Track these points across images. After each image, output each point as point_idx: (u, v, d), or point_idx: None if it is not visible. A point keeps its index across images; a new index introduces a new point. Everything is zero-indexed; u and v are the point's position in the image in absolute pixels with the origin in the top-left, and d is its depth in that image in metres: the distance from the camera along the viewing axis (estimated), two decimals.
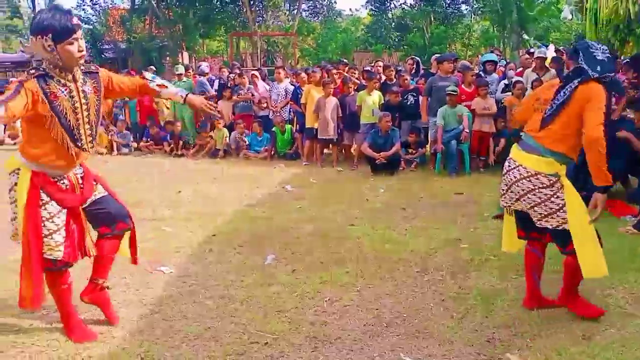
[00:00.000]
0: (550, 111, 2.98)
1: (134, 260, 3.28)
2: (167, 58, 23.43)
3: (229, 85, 10.88)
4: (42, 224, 2.74)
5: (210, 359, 2.77)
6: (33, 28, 2.63)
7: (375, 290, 3.61)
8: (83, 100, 2.80)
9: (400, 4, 27.98)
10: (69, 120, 2.74)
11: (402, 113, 8.64)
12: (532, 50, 10.75)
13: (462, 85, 8.38)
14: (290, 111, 9.98)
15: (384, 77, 9.40)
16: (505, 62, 10.60)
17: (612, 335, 2.91)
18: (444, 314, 3.24)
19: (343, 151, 9.43)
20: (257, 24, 25.63)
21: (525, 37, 22.00)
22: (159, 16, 23.02)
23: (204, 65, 12.22)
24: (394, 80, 9.12)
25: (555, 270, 3.64)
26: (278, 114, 9.80)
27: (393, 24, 26.94)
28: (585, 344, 2.82)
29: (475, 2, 26.39)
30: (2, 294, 3.53)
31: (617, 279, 3.64)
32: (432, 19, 25.09)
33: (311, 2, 30.98)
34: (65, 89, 2.72)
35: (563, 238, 2.97)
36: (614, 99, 6.54)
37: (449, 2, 26.34)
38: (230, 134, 10.16)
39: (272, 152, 9.73)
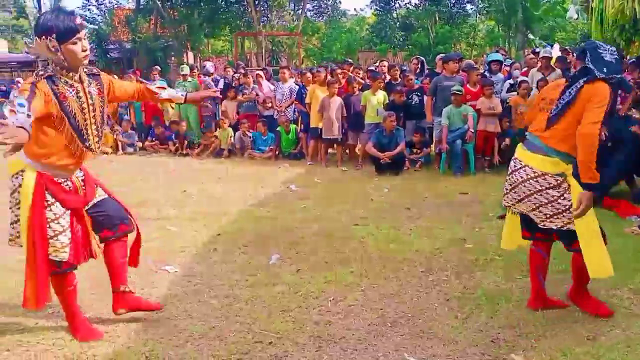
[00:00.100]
0: (555, 111, 2.97)
1: (133, 262, 3.26)
2: (172, 58, 23.47)
3: (233, 85, 10.90)
4: (48, 225, 2.74)
5: (215, 358, 2.78)
6: (37, 29, 2.66)
7: (379, 290, 3.61)
8: (90, 101, 2.82)
9: (405, 4, 27.97)
10: (78, 121, 2.76)
11: (407, 113, 8.63)
12: (537, 50, 10.72)
13: (467, 85, 8.37)
14: (294, 111, 9.98)
15: (388, 77, 9.40)
16: (510, 62, 10.55)
17: (617, 336, 2.90)
18: (448, 314, 3.24)
19: (347, 151, 9.43)
20: (261, 23, 25.65)
21: (531, 36, 21.94)
22: (164, 16, 23.07)
23: (209, 65, 12.24)
24: (399, 80, 9.12)
25: (560, 271, 3.64)
26: (283, 114, 9.81)
27: (398, 23, 26.92)
28: (590, 345, 2.81)
29: (480, 1, 26.34)
30: (7, 293, 3.55)
31: (622, 279, 3.62)
32: (437, 18, 25.06)
33: (316, 2, 30.98)
34: (73, 90, 2.74)
35: (568, 237, 2.98)
36: (619, 97, 6.53)
37: (454, 1, 26.30)
38: (235, 133, 10.17)
39: (277, 152, 9.74)
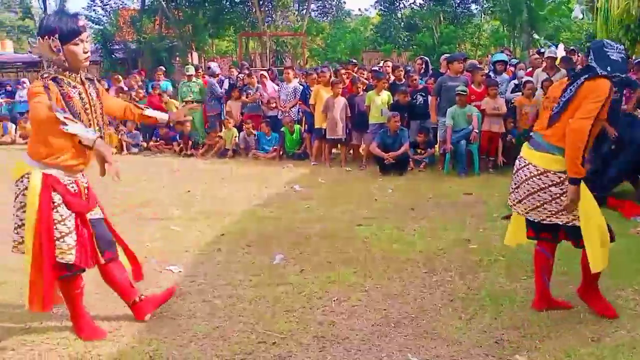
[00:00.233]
0: (557, 109, 2.99)
1: (138, 276, 3.29)
2: (177, 58, 23.50)
3: (237, 85, 10.92)
4: (54, 227, 2.75)
5: (219, 358, 2.78)
6: (41, 29, 2.70)
7: (383, 291, 3.61)
8: (92, 102, 2.85)
9: (410, 4, 27.87)
10: (82, 121, 2.78)
11: (411, 113, 8.62)
12: (542, 50, 10.69)
13: (472, 85, 8.35)
14: (299, 111, 9.99)
15: (392, 77, 9.39)
16: (515, 62, 10.52)
17: (622, 337, 2.89)
18: (452, 314, 3.23)
19: (351, 151, 9.43)
20: (266, 24, 25.65)
21: (536, 36, 21.86)
22: (168, 16, 23.09)
23: (215, 66, 12.26)
24: (403, 80, 9.10)
25: (564, 272, 3.63)
26: (287, 114, 9.82)
27: (402, 23, 26.86)
28: (594, 346, 2.80)
29: (485, 1, 26.25)
30: (11, 292, 3.57)
31: (627, 280, 3.62)
32: (442, 18, 24.96)
33: (320, 2, 30.95)
34: (76, 90, 2.77)
35: (575, 233, 2.98)
36: (624, 97, 6.51)
37: (458, 1, 26.21)
38: (239, 134, 10.19)
39: (281, 152, 9.75)
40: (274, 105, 10.06)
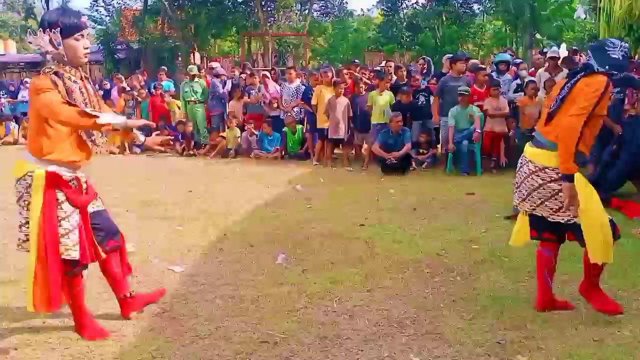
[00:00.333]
0: (554, 106, 3.02)
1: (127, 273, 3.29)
2: (179, 58, 23.54)
3: (239, 85, 10.93)
4: (59, 224, 2.75)
5: (220, 358, 2.78)
6: (43, 22, 2.72)
7: (385, 291, 3.60)
8: (91, 98, 2.86)
9: (412, 4, 27.87)
10: None
11: (413, 113, 8.62)
12: (545, 50, 10.67)
13: (474, 85, 8.35)
14: (301, 111, 9.99)
15: (395, 78, 9.39)
16: (517, 62, 10.51)
17: (624, 338, 2.88)
18: (454, 315, 3.23)
19: (354, 151, 9.43)
20: (268, 24, 25.66)
21: (538, 36, 21.85)
22: (171, 17, 23.12)
23: (219, 67, 12.28)
24: (405, 80, 9.10)
25: (566, 272, 3.62)
26: (289, 114, 9.82)
27: (404, 23, 26.84)
28: (596, 347, 2.80)
29: (487, 1, 26.22)
30: (14, 291, 3.58)
31: (629, 281, 3.61)
32: (444, 18, 24.97)
33: (322, 2, 30.96)
34: (77, 85, 2.78)
35: (577, 230, 2.97)
36: (627, 97, 6.49)
37: (461, 1, 26.20)
38: (241, 134, 10.20)
39: (283, 152, 9.75)
40: (275, 105, 10.07)
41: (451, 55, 9.72)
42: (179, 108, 11.35)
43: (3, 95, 14.72)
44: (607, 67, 2.89)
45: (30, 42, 2.79)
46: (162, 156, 10.59)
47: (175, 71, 20.63)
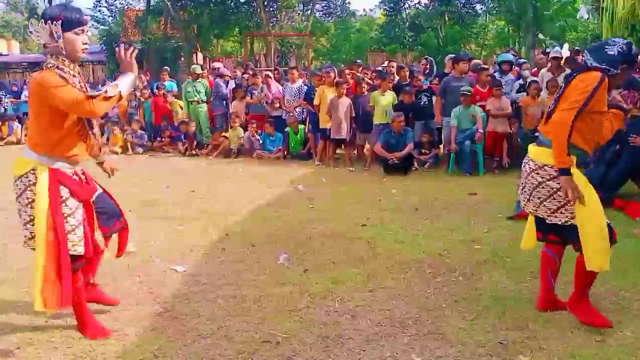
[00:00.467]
0: (552, 105, 3.03)
1: (120, 252, 3.28)
2: (182, 58, 23.59)
3: (242, 85, 10.93)
4: (65, 220, 2.76)
5: (222, 357, 2.79)
6: (45, 14, 2.75)
7: (387, 291, 3.60)
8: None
9: (415, 4, 27.85)
10: None
11: (416, 113, 8.61)
12: (547, 50, 10.66)
13: (477, 86, 8.34)
14: (303, 111, 10.00)
15: (397, 78, 9.38)
16: (520, 62, 10.50)
17: (626, 338, 2.88)
18: (456, 315, 3.23)
19: (356, 151, 9.43)
20: (271, 24, 25.68)
21: (541, 36, 21.81)
22: (174, 17, 23.17)
23: (223, 68, 12.31)
24: (408, 80, 9.09)
25: (568, 273, 3.61)
26: (291, 114, 9.83)
27: (407, 23, 26.82)
28: (598, 347, 2.79)
29: (490, 1, 26.19)
30: (16, 291, 3.59)
31: (631, 281, 3.60)
32: (447, 18, 24.94)
33: (325, 2, 30.98)
34: (77, 79, 2.80)
35: (573, 233, 2.94)
36: (628, 98, 6.47)
37: (463, 1, 26.17)
38: (244, 133, 10.21)
39: (285, 152, 9.76)
40: (278, 105, 10.07)
41: (454, 55, 9.71)
42: (181, 108, 11.37)
43: (6, 95, 14.76)
44: (602, 63, 2.88)
45: (30, 32, 2.80)
46: (165, 156, 10.62)
47: (178, 71, 20.69)
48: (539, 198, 3.01)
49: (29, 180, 2.75)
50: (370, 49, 26.25)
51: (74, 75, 2.78)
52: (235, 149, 10.14)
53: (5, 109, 14.16)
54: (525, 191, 3.12)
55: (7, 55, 26.47)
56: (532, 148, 3.12)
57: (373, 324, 3.13)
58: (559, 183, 2.90)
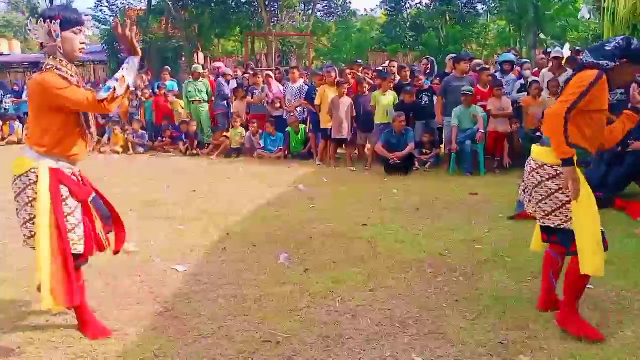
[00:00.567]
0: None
1: (117, 249, 3.25)
2: (183, 58, 23.59)
3: (242, 85, 10.94)
4: (66, 219, 2.78)
5: (223, 357, 2.79)
6: (43, 14, 2.77)
7: (388, 291, 3.60)
8: None
9: (416, 4, 27.81)
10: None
11: (417, 113, 8.61)
12: (548, 50, 10.65)
13: (478, 86, 8.34)
14: (304, 110, 10.00)
15: (398, 78, 9.38)
16: (521, 62, 10.50)
17: (627, 338, 2.88)
18: (457, 315, 3.23)
19: (357, 151, 9.43)
20: (272, 24, 25.67)
21: (542, 36, 21.78)
22: (175, 17, 23.16)
23: (225, 67, 12.31)
24: (409, 80, 9.09)
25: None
26: (292, 114, 9.83)
27: (408, 23, 26.78)
28: (599, 347, 2.79)
29: (491, 1, 26.16)
30: (17, 291, 3.59)
31: (632, 281, 3.60)
32: (448, 18, 24.91)
33: (326, 2, 30.96)
34: (74, 80, 2.81)
35: (566, 237, 2.92)
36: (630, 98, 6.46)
37: (464, 1, 26.14)
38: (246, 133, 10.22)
39: (286, 152, 9.76)
40: (278, 105, 10.08)
41: (455, 55, 9.71)
42: (182, 108, 11.38)
43: (7, 95, 14.78)
44: (599, 59, 2.86)
45: (29, 30, 2.81)
46: (166, 156, 10.63)
47: (179, 71, 20.69)
48: (536, 199, 2.99)
49: (30, 180, 2.76)
50: (372, 49, 26.22)
51: (72, 76, 2.79)
52: (236, 148, 10.14)
53: (6, 109, 14.18)
54: (526, 191, 3.11)
55: (9, 55, 26.48)
56: (534, 148, 3.11)
57: (374, 323, 3.13)
58: (557, 184, 2.88)
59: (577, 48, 10.66)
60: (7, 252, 4.37)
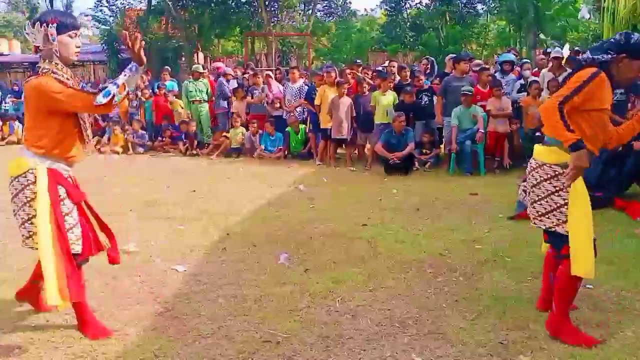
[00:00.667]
0: None
1: (114, 259, 3.21)
2: (183, 58, 23.59)
3: (242, 85, 10.94)
4: (64, 219, 2.80)
5: (223, 357, 2.79)
6: (40, 17, 2.82)
7: (387, 291, 3.60)
8: None
9: (416, 4, 27.81)
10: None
11: (416, 113, 8.61)
12: (548, 50, 10.65)
13: (478, 86, 8.34)
14: (304, 110, 10.00)
15: (398, 78, 9.38)
16: (521, 62, 10.50)
17: (627, 339, 2.88)
18: (457, 315, 3.23)
19: (357, 151, 9.43)
20: (272, 24, 25.66)
21: (542, 36, 21.78)
22: (175, 17, 23.16)
23: (225, 67, 12.31)
24: (409, 80, 9.09)
25: None
26: (292, 114, 9.83)
27: (408, 23, 26.78)
28: (599, 347, 2.79)
29: (491, 1, 26.16)
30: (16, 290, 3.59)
31: (632, 281, 3.60)
32: (448, 18, 24.91)
33: (326, 2, 30.96)
34: (70, 82, 2.82)
35: (557, 240, 2.91)
36: (629, 103, 6.48)
37: (464, 1, 26.13)
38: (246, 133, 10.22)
39: (286, 152, 9.76)
40: (278, 105, 10.08)
41: (454, 55, 9.72)
42: (182, 108, 11.38)
43: (7, 95, 14.78)
44: (598, 54, 2.84)
45: (27, 33, 2.84)
46: (165, 156, 10.63)
47: (178, 71, 20.69)
48: (532, 199, 2.97)
49: (28, 180, 2.78)
50: (371, 49, 26.22)
51: (67, 79, 2.82)
52: (237, 147, 10.14)
53: (6, 109, 14.19)
54: (527, 191, 3.11)
55: (9, 55, 26.48)
56: (536, 147, 3.07)
57: (373, 323, 3.13)
58: (555, 186, 2.86)
59: (577, 48, 10.66)
60: (7, 252, 4.37)
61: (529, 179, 3.01)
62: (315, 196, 6.56)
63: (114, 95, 2.73)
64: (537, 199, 2.94)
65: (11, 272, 3.94)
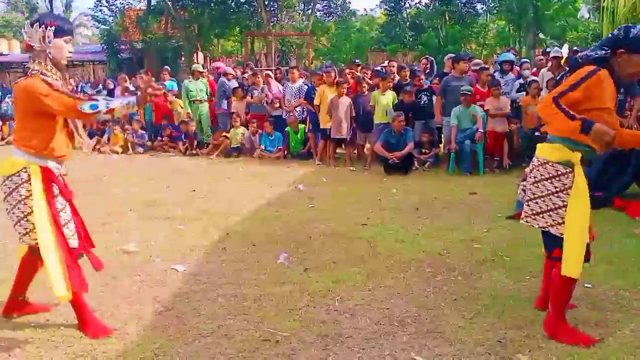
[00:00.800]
0: None
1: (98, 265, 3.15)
2: (182, 58, 23.60)
3: (242, 85, 10.95)
4: (59, 215, 2.88)
5: (223, 356, 2.80)
6: (40, 18, 2.88)
7: (387, 290, 3.61)
8: None
9: (415, 4, 27.82)
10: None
11: (416, 113, 8.62)
12: (548, 49, 10.67)
13: (477, 85, 8.35)
14: (303, 110, 10.01)
15: (397, 77, 9.39)
16: (520, 62, 10.51)
17: (625, 337, 2.88)
18: (455, 314, 3.24)
19: (356, 151, 9.44)
20: (271, 24, 25.67)
21: (542, 36, 21.80)
22: (174, 16, 23.17)
23: (226, 67, 12.32)
24: (408, 80, 9.10)
25: None
26: (291, 114, 9.84)
27: (407, 23, 26.79)
28: (597, 346, 2.80)
29: (490, 1, 26.17)
30: None
31: (631, 280, 3.61)
32: (447, 18, 24.92)
33: (325, 2, 30.95)
34: (59, 84, 2.88)
35: (549, 241, 2.91)
36: (627, 104, 6.49)
37: (464, 1, 26.14)
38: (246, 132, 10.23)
39: (285, 152, 9.77)
40: (278, 105, 10.09)
41: (454, 54, 9.72)
42: (181, 107, 11.39)
43: (8, 95, 14.79)
44: (595, 51, 2.83)
45: (24, 32, 2.89)
46: (165, 156, 10.63)
47: (178, 71, 20.70)
48: (528, 196, 2.95)
49: (21, 178, 2.85)
50: (371, 49, 26.23)
51: (56, 80, 2.88)
52: (236, 145, 10.15)
53: (5, 109, 14.19)
54: (526, 190, 3.11)
55: (8, 55, 26.47)
56: (539, 146, 3.05)
57: (372, 322, 3.14)
58: (555, 186, 2.86)
59: (576, 48, 10.67)
60: (7, 252, 4.37)
61: (530, 176, 3.00)
62: (314, 196, 6.57)
63: (99, 112, 2.82)
64: (534, 197, 2.92)
65: (11, 272, 3.93)
